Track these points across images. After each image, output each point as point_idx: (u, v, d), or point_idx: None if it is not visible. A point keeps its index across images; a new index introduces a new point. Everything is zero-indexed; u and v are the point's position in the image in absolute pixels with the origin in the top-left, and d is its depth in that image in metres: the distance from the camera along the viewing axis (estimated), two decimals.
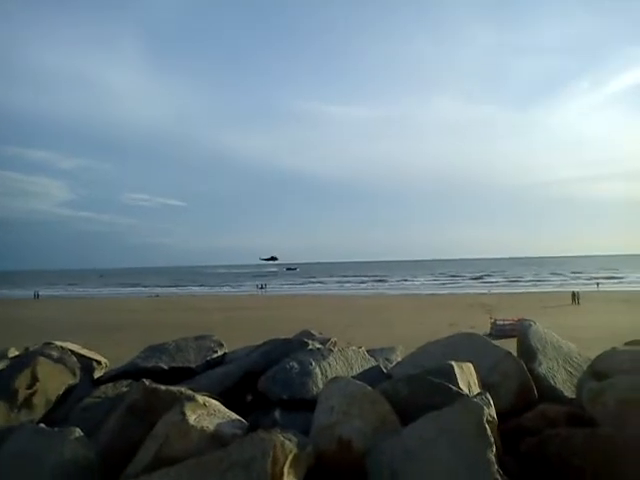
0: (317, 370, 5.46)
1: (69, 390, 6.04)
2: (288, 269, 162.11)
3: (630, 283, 71.43)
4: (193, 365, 6.66)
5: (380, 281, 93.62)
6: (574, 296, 40.41)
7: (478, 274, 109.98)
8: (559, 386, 5.63)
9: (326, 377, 5.35)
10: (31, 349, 7.15)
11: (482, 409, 3.68)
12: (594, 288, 60.39)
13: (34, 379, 5.62)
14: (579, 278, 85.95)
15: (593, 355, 5.85)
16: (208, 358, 6.84)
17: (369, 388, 4.40)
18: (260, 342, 7.28)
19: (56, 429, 4.58)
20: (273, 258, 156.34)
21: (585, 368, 5.66)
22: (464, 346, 5.90)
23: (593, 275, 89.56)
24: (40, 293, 71.54)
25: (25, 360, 6.05)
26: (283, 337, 6.97)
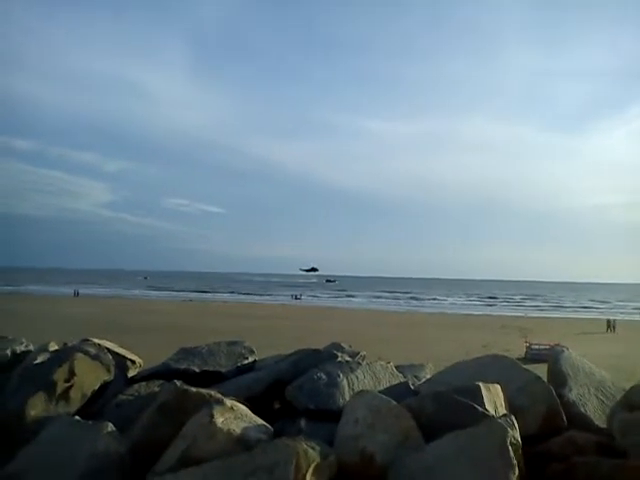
0: (344, 382, 5.52)
1: (104, 386, 6.27)
2: (327, 281, 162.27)
3: None
4: (224, 370, 6.80)
5: (415, 298, 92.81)
6: (609, 324, 39.40)
7: (515, 296, 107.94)
8: (590, 414, 5.53)
9: (353, 390, 5.40)
10: (70, 344, 7.44)
11: (506, 431, 3.68)
12: (636, 317, 58.43)
13: (72, 373, 5.85)
14: (620, 307, 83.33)
15: (628, 385, 5.74)
16: (239, 364, 6.97)
17: (394, 403, 4.44)
18: (290, 351, 7.38)
19: (90, 422, 4.77)
20: (313, 269, 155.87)
21: (618, 398, 5.55)
22: (493, 367, 5.86)
23: (635, 304, 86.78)
24: (80, 291, 73.60)
25: (64, 355, 6.31)
26: (313, 348, 7.06)
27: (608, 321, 40.03)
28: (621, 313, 64.96)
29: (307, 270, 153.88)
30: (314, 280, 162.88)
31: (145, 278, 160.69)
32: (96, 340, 7.29)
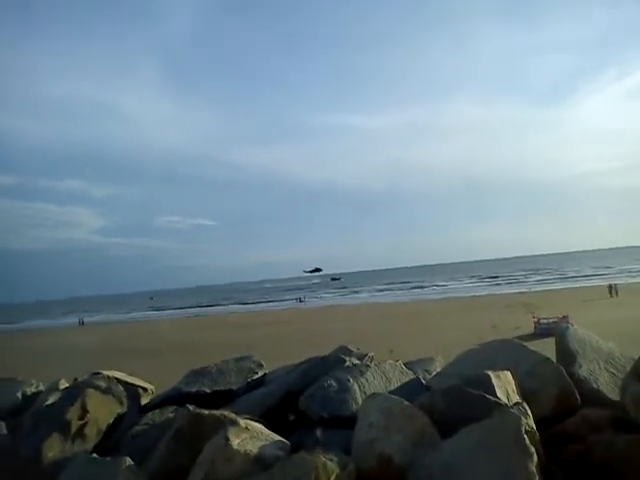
0: (355, 387, 5.53)
1: (118, 419, 6.26)
2: (332, 279, 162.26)
3: None
4: (234, 387, 6.81)
5: (419, 287, 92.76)
6: (611, 289, 39.71)
7: (516, 273, 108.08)
8: (602, 389, 5.52)
9: (365, 393, 5.41)
10: (80, 380, 7.43)
11: (519, 420, 3.69)
12: (637, 280, 58.60)
13: (84, 410, 5.84)
14: (621, 271, 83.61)
15: (636, 353, 5.75)
16: (249, 379, 6.98)
17: (406, 403, 4.44)
18: (299, 357, 7.39)
19: (108, 458, 4.77)
20: (317, 270, 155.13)
21: (628, 368, 5.55)
22: (501, 352, 5.87)
23: (634, 267, 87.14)
24: (85, 319, 73.50)
25: (75, 392, 6.30)
26: (321, 354, 7.08)
27: (610, 286, 40.38)
28: (624, 277, 65.37)
29: (311, 271, 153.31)
30: (318, 280, 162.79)
31: (151, 299, 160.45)
32: (106, 372, 7.29)
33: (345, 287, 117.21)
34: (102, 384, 6.51)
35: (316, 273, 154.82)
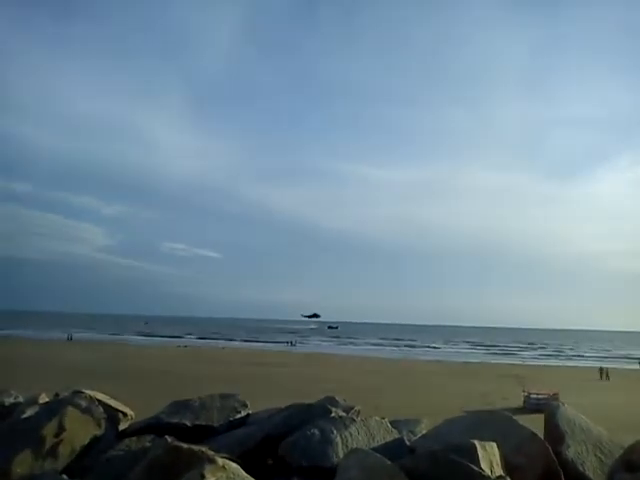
0: (338, 439, 5.44)
1: (94, 441, 6.15)
2: (329, 327, 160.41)
3: None
4: (216, 424, 6.71)
5: (413, 346, 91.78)
6: (602, 372, 39.66)
7: (511, 344, 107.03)
8: (588, 473, 5.42)
9: (347, 447, 5.32)
10: (61, 396, 7.33)
11: None
12: (631, 366, 58.06)
13: (61, 428, 5.75)
14: (616, 355, 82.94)
15: (624, 439, 5.66)
16: (231, 418, 6.88)
17: (388, 462, 4.37)
18: (284, 401, 7.27)
19: None
20: (315, 315, 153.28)
21: (616, 455, 5.46)
22: (489, 423, 5.79)
23: (628, 352, 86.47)
24: (73, 335, 72.64)
25: (54, 408, 6.22)
26: (306, 400, 6.98)
27: (601, 369, 40.35)
28: (617, 361, 64.97)
29: (309, 316, 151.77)
30: (315, 326, 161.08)
31: (146, 323, 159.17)
32: (88, 392, 7.19)
33: (338, 336, 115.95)
34: (83, 403, 6.43)
35: (314, 319, 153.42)
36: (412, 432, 6.71)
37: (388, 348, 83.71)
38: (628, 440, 5.43)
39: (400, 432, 6.30)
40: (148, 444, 6.05)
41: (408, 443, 5.95)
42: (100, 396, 7.28)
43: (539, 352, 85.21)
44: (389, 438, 5.85)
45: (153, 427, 6.70)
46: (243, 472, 4.69)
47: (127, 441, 6.28)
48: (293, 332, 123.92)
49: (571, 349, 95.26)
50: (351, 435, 5.57)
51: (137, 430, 6.82)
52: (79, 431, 5.93)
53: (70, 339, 69.10)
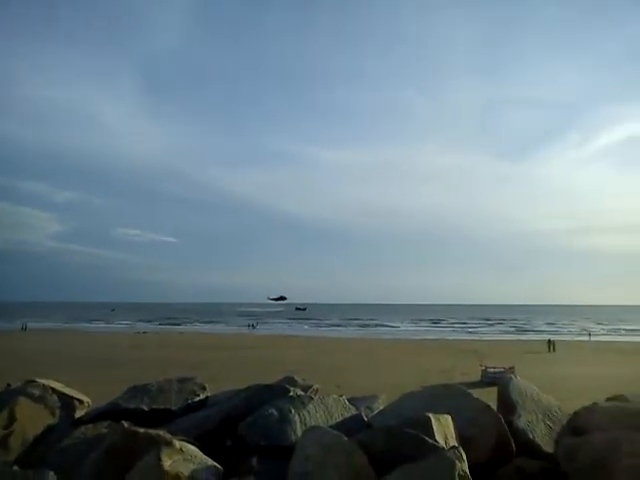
0: (296, 418, 5.49)
1: (48, 430, 6.02)
2: (297, 309, 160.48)
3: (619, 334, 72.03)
4: (174, 408, 6.66)
5: (377, 325, 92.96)
6: (549, 344, 41.75)
7: (470, 320, 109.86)
8: (538, 440, 5.65)
9: (305, 425, 5.37)
10: (12, 387, 7.13)
11: (454, 463, 3.72)
12: (585, 338, 60.73)
13: (12, 419, 5.61)
14: (570, 327, 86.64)
15: (571, 407, 5.91)
16: (189, 401, 6.84)
17: (345, 438, 4.43)
18: (244, 383, 7.27)
19: (29, 471, 4.57)
20: (282, 298, 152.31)
21: (564, 422, 5.70)
22: (444, 397, 5.93)
23: (583, 325, 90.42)
24: (28, 325, 70.65)
25: (5, 398, 6.05)
26: (267, 382, 7.00)
27: (549, 342, 42.38)
28: (569, 334, 68.23)
29: (275, 299, 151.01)
30: (282, 309, 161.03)
31: (113, 310, 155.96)
32: (41, 381, 7.02)
33: (302, 318, 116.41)
34: (36, 392, 6.28)
35: (281, 301, 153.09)
36: (370, 408, 6.82)
37: (351, 328, 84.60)
38: (574, 407, 5.68)
39: (358, 409, 6.39)
40: (104, 430, 5.95)
41: (366, 419, 6.05)
42: (54, 385, 7.11)
43: (496, 328, 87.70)
44: (347, 415, 5.93)
45: (110, 413, 6.59)
46: (201, 453, 4.68)
47: (83, 428, 6.17)
48: (255, 315, 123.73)
49: (525, 324, 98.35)
50: (309, 413, 5.62)
51: (94, 417, 6.69)
52: (32, 421, 5.80)
53: (25, 329, 67.15)
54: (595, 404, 5.52)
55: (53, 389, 6.80)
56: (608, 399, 6.69)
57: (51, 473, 4.45)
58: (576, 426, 5.20)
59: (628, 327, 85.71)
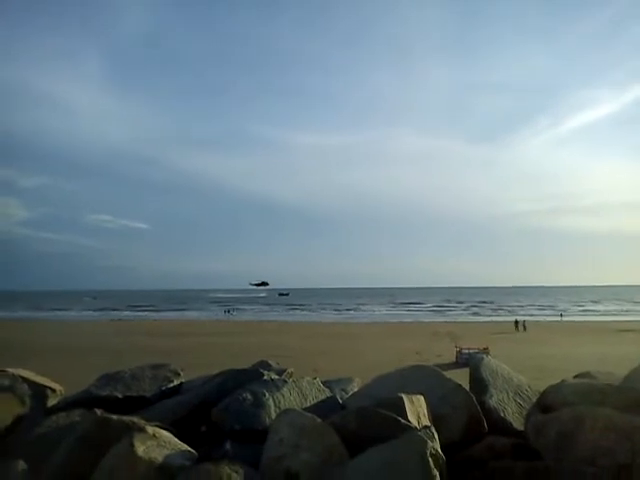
0: (270, 401, 5.49)
1: (18, 420, 5.92)
2: (280, 294, 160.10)
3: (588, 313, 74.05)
4: (148, 394, 6.61)
5: (354, 309, 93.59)
6: (517, 324, 43.38)
7: (446, 303, 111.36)
8: (509, 418, 5.77)
9: (279, 408, 5.38)
10: None
11: (425, 442, 3.77)
12: (557, 318, 62.17)
13: None
14: (543, 308, 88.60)
15: (542, 385, 6.05)
16: (163, 387, 6.79)
17: (319, 420, 4.45)
18: (220, 368, 7.25)
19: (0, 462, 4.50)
20: (264, 283, 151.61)
21: (534, 400, 5.83)
22: (417, 377, 6.01)
23: (555, 305, 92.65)
24: None
25: None
26: (242, 367, 6.99)
27: (516, 322, 43.90)
28: (542, 314, 70.00)
29: (257, 284, 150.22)
30: (265, 294, 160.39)
31: (94, 298, 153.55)
32: (11, 370, 6.90)
33: (280, 304, 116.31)
34: (5, 382, 6.17)
35: (263, 287, 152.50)
36: (344, 391, 6.87)
37: (330, 313, 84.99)
38: (544, 385, 5.80)
39: (332, 391, 6.43)
40: (77, 418, 5.88)
41: (341, 401, 6.10)
42: (25, 373, 6.98)
43: (470, 310, 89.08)
44: (321, 397, 5.96)
45: (83, 401, 6.51)
46: (175, 439, 4.67)
47: (55, 417, 6.08)
48: (232, 301, 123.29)
49: (499, 306, 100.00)
50: (283, 396, 5.64)
51: (67, 405, 6.60)
52: (0, 411, 5.70)
53: None
54: (563, 381, 5.65)
55: (23, 378, 6.68)
56: (575, 376, 6.88)
57: (21, 462, 4.39)
58: (545, 403, 5.31)
59: (600, 308, 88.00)
